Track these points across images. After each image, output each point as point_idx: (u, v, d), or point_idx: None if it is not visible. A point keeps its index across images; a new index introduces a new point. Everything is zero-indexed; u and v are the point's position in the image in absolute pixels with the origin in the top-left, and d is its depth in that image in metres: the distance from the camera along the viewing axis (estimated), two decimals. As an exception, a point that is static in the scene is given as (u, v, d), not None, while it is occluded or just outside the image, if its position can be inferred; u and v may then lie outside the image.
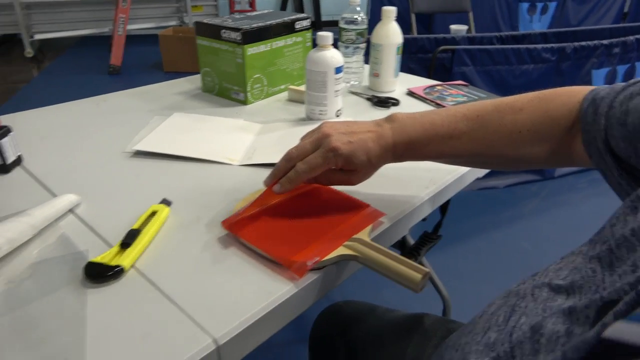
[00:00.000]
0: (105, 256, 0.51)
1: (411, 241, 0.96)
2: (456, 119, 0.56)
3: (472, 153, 0.56)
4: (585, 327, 0.31)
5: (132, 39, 4.33)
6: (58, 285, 0.49)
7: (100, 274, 0.49)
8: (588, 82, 2.06)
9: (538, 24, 3.98)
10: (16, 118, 0.89)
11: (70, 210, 0.61)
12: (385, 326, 0.68)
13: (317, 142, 0.56)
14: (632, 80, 0.47)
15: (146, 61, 3.98)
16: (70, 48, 4.54)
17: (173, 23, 4.60)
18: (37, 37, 4.30)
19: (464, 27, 3.23)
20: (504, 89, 1.90)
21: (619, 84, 0.48)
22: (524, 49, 1.88)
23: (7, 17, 4.30)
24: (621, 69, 2.13)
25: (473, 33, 2.93)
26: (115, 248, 0.52)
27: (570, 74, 2.01)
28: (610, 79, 2.12)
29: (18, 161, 0.71)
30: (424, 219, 1.11)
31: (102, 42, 4.38)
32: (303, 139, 0.60)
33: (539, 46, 1.90)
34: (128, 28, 3.75)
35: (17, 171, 0.70)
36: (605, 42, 2.00)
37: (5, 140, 0.68)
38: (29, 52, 4.19)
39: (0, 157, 0.67)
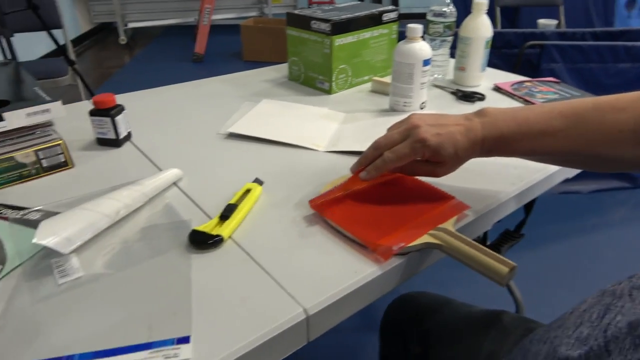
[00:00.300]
0: (206, 226, 0.56)
1: (488, 239, 0.95)
2: (551, 115, 0.54)
3: (566, 151, 0.55)
4: None
5: (215, 29, 4.53)
6: (166, 249, 0.54)
7: (202, 241, 0.53)
8: (694, 85, 1.89)
9: (637, 21, 3.67)
10: (123, 98, 0.98)
11: (174, 183, 0.67)
12: (462, 319, 0.69)
13: (406, 133, 0.57)
14: None
15: (227, 50, 4.15)
16: (158, 36, 4.83)
17: (253, 14, 4.76)
18: (131, 25, 4.62)
19: (554, 22, 3.05)
20: (595, 89, 1.78)
21: None
22: (622, 46, 1.76)
23: (104, 7, 4.66)
24: None
25: (563, 28, 2.77)
26: (215, 219, 0.57)
27: (673, 75, 1.85)
28: None
29: (128, 137, 0.79)
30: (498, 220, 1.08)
31: (186, 32, 4.62)
32: (391, 129, 0.61)
33: (639, 43, 1.77)
34: (212, 18, 3.92)
35: (127, 146, 0.78)
36: None
37: (119, 117, 0.75)
38: (122, 39, 4.52)
39: (114, 132, 0.75)
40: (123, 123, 0.76)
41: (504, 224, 0.97)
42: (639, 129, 0.51)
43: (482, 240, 0.87)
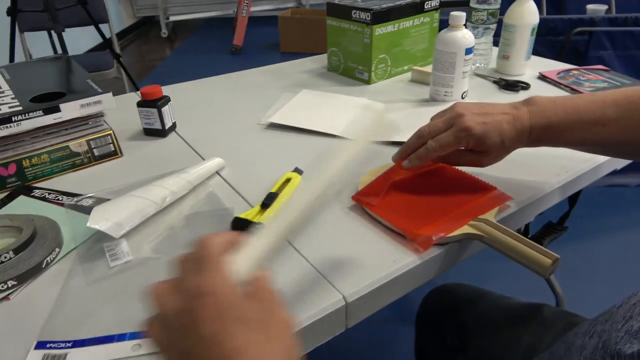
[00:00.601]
0: (248, 213, 0.57)
1: (530, 231, 0.92)
2: (604, 104, 0.53)
3: (619, 142, 0.53)
4: None
5: (251, 20, 4.57)
6: (210, 235, 0.56)
7: (244, 228, 0.55)
8: None
9: (696, 3, 3.44)
10: (168, 90, 1.01)
11: (217, 172, 0.69)
12: (501, 312, 0.68)
13: (450, 121, 0.57)
14: None
15: (264, 41, 4.18)
16: (198, 29, 4.91)
17: (291, 5, 4.76)
18: (172, 18, 4.72)
19: (603, 7, 2.90)
20: (648, 77, 1.70)
21: None
22: (678, 31, 1.66)
23: (147, 1, 4.78)
24: None
25: (613, 13, 2.63)
26: (257, 207, 0.58)
27: None
28: None
29: (173, 127, 0.82)
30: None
31: (225, 24, 4.69)
32: (434, 118, 0.61)
33: (698, 28, 1.67)
34: (250, 10, 3.95)
35: (172, 135, 0.81)
36: None
37: (165, 108, 0.78)
38: (164, 32, 4.63)
39: (160, 123, 0.78)
40: (168, 114, 0.79)
41: (547, 216, 0.95)
42: None
43: (524, 232, 0.85)
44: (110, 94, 0.70)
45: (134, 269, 0.51)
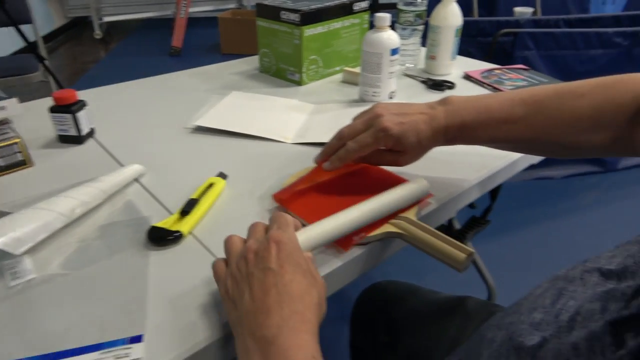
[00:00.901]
0: (166, 222, 0.55)
1: (457, 226, 0.96)
2: (513, 103, 0.55)
3: (527, 139, 0.55)
4: (620, 304, 0.31)
5: (191, 22, 4.47)
6: (124, 246, 0.53)
7: (161, 237, 0.53)
8: (664, 70, 1.92)
9: (611, 7, 3.71)
10: (89, 94, 0.96)
11: (136, 179, 0.66)
12: (428, 306, 0.69)
13: (369, 122, 0.57)
14: None
15: (204, 43, 4.10)
16: (135, 30, 4.74)
17: (232, 6, 4.69)
18: (106, 19, 4.52)
19: (529, 10, 3.07)
20: (568, 75, 1.80)
21: None
22: (593, 33, 1.78)
23: (79, 1, 4.56)
24: (703, 56, 1.96)
25: (538, 16, 2.79)
26: (176, 215, 0.56)
27: (643, 61, 1.88)
28: (689, 67, 1.96)
29: (91, 133, 0.77)
30: (473, 206, 1.10)
31: (164, 25, 4.55)
32: (355, 119, 0.61)
33: (610, 30, 1.79)
34: (189, 10, 3.86)
35: (90, 142, 0.76)
36: (686, 26, 1.85)
37: (81, 113, 0.73)
38: (97, 34, 4.43)
39: (76, 129, 0.73)
40: (85, 119, 0.75)
41: (475, 213, 0.98)
42: (596, 115, 0.52)
43: (448, 227, 0.88)
44: (15, 99, 0.65)
45: (38, 287, 0.47)
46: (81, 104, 0.74)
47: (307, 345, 0.36)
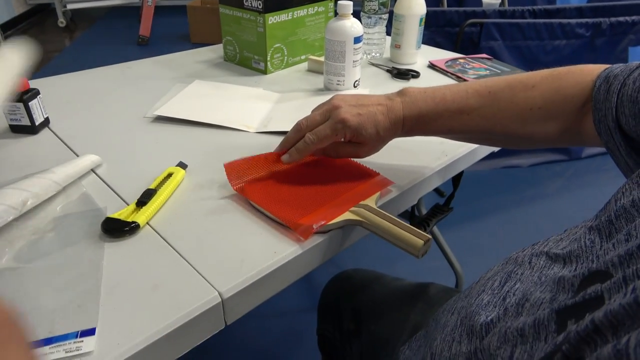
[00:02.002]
0: (122, 213, 0.53)
1: (424, 213, 0.97)
2: (467, 94, 0.55)
3: (481, 129, 0.56)
4: (569, 294, 0.32)
5: (161, 10, 4.36)
6: (78, 239, 0.52)
7: (116, 229, 0.51)
8: (624, 60, 1.98)
9: (577, -2, 3.79)
10: (45, 82, 0.92)
11: (92, 170, 0.64)
12: (391, 293, 0.70)
13: (327, 114, 0.57)
14: None
15: (174, 32, 4.01)
16: (101, 18, 4.60)
17: (201, -6, 4.59)
18: (70, 6, 4.37)
19: (497, 0, 3.11)
20: (533, 65, 1.83)
21: (634, 62, 0.47)
22: (557, 23, 1.82)
23: (41, -14, 4.38)
24: (660, 47, 2.03)
25: (506, 6, 2.83)
26: (132, 206, 0.55)
27: (604, 51, 1.93)
28: (648, 57, 2.02)
29: (45, 123, 0.75)
30: (442, 194, 1.10)
31: (132, 13, 4.42)
32: (314, 110, 0.61)
33: (573, 21, 1.83)
34: (157, -2, 3.76)
35: (44, 132, 0.74)
36: (644, 17, 1.91)
37: (33, 102, 0.71)
38: (61, 21, 4.27)
39: (29, 118, 0.71)
40: (38, 108, 0.72)
41: (443, 199, 0.99)
42: (547, 106, 0.53)
43: (410, 214, 0.89)
44: (-39, 87, 0.62)
45: (-15, 282, 0.46)
46: (34, 92, 0.71)
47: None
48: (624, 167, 0.48)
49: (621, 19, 1.88)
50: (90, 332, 0.40)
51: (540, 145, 0.57)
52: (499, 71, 1.01)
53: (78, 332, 0.40)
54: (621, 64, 0.49)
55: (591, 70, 0.51)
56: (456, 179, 0.86)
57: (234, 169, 0.59)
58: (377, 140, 0.58)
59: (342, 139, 0.58)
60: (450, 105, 0.55)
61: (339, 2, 0.84)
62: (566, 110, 0.52)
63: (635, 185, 0.36)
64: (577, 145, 0.56)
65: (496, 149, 0.77)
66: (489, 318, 0.37)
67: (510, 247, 1.65)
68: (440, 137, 0.60)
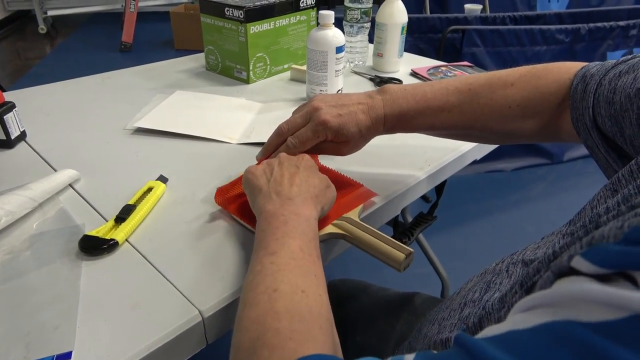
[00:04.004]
0: (100, 230, 0.52)
1: (410, 219, 0.97)
2: (448, 91, 0.56)
3: (462, 126, 0.56)
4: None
5: (144, 16, 4.33)
6: (55, 257, 0.50)
7: (94, 246, 0.50)
8: (602, 65, 2.02)
9: (556, 4, 3.86)
10: (22, 94, 0.91)
11: (70, 185, 0.62)
12: (377, 304, 0.70)
13: (307, 116, 0.57)
14: (622, 58, 0.46)
15: (158, 38, 3.98)
16: (83, 25, 4.55)
17: (185, 0, 4.57)
18: (50, 13, 4.31)
19: (479, 7, 3.15)
20: (514, 71, 1.86)
21: (610, 61, 0.48)
22: (537, 29, 1.84)
23: (20, -7, 4.32)
24: (638, 51, 2.08)
25: (487, 13, 2.86)
26: (111, 222, 0.54)
27: (584, 56, 1.96)
28: (625, 62, 2.06)
29: (22, 136, 0.73)
30: (427, 200, 1.10)
31: (114, 19, 4.38)
32: (295, 112, 0.60)
33: (553, 27, 1.86)
34: (140, 5, 3.74)
35: (21, 146, 0.72)
36: (621, 23, 1.95)
37: (8, 115, 0.69)
38: (42, 28, 4.22)
39: (4, 132, 0.69)
40: (14, 122, 0.71)
41: (427, 206, 1.00)
42: (525, 104, 0.53)
43: (395, 224, 0.89)
44: None
45: (-43, 305, 0.44)
46: (9, 106, 0.70)
47: (313, 212, 0.48)
48: (603, 163, 0.48)
49: (599, 24, 1.92)
50: (67, 356, 0.39)
51: (521, 140, 0.58)
52: (481, 79, 1.01)
53: (54, 356, 0.39)
54: (598, 63, 0.50)
55: (569, 68, 0.52)
56: (439, 188, 0.86)
57: (222, 192, 0.58)
58: (359, 139, 0.58)
59: (324, 139, 0.58)
60: (431, 103, 0.56)
61: (320, 12, 0.84)
62: (544, 108, 0.53)
63: (610, 193, 0.36)
64: (556, 141, 0.57)
65: (479, 156, 0.78)
66: (467, 327, 0.37)
67: (496, 251, 1.66)
68: (422, 133, 0.60)
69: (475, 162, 0.78)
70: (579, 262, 0.23)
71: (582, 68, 0.50)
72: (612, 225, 0.24)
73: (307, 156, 0.55)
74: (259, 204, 0.48)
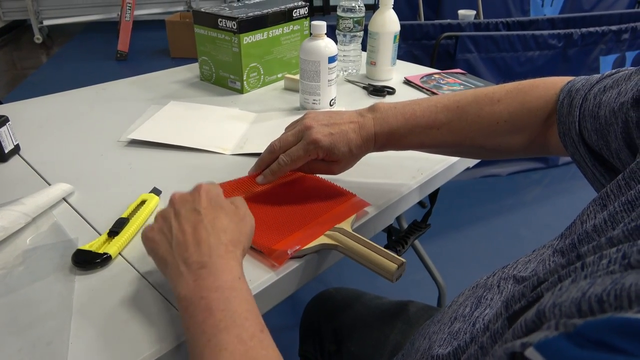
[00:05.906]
0: (93, 244, 0.53)
1: (404, 227, 0.97)
2: (437, 109, 0.56)
3: (451, 143, 0.57)
4: (520, 303, 0.32)
5: (140, 25, 4.34)
6: (48, 272, 0.50)
7: (87, 261, 0.51)
8: (595, 69, 2.03)
9: (549, 9, 3.89)
10: (16, 107, 0.91)
11: (64, 199, 0.63)
12: (371, 313, 0.70)
13: (299, 134, 0.57)
14: (607, 72, 0.47)
15: (153, 47, 3.99)
16: (79, 34, 4.55)
17: (180, 8, 4.59)
18: (46, 22, 4.32)
19: (472, 12, 3.17)
20: (508, 76, 1.88)
21: (595, 76, 0.48)
22: (530, 35, 1.86)
23: (16, 3, 4.33)
24: (630, 55, 2.09)
25: (481, 18, 2.89)
26: (104, 236, 0.54)
27: (577, 61, 1.98)
28: (618, 65, 2.08)
29: (16, 150, 0.73)
30: (423, 206, 1.10)
31: (110, 28, 4.39)
32: (287, 129, 0.61)
33: (545, 32, 1.87)
34: (135, 13, 3.75)
35: (14, 160, 0.72)
36: (613, 27, 1.97)
37: (2, 129, 0.69)
38: (38, 38, 4.22)
39: (-2, 146, 0.69)
40: (8, 135, 0.71)
41: (422, 214, 1.00)
42: (513, 120, 0.54)
43: (388, 232, 0.90)
44: None
45: (-50, 322, 0.44)
46: (3, 120, 0.70)
47: (234, 268, 0.41)
48: (590, 177, 0.49)
49: (592, 29, 1.93)
50: (59, 372, 0.39)
51: (510, 156, 0.58)
52: (472, 86, 1.02)
53: (46, 373, 0.39)
54: (583, 77, 0.50)
55: (554, 83, 0.52)
56: (432, 196, 0.87)
57: None
58: (350, 158, 0.59)
59: (315, 158, 0.58)
60: (420, 121, 0.56)
61: (312, 22, 0.84)
62: (531, 124, 0.53)
63: (599, 208, 0.37)
64: (544, 155, 0.58)
65: (471, 164, 0.78)
66: (458, 344, 0.37)
67: (492, 256, 1.67)
68: (414, 150, 0.60)
69: (469, 167, 0.78)
70: (532, 354, 0.22)
71: (567, 83, 0.51)
72: (570, 297, 0.23)
73: (204, 186, 0.46)
74: (171, 284, 0.41)
